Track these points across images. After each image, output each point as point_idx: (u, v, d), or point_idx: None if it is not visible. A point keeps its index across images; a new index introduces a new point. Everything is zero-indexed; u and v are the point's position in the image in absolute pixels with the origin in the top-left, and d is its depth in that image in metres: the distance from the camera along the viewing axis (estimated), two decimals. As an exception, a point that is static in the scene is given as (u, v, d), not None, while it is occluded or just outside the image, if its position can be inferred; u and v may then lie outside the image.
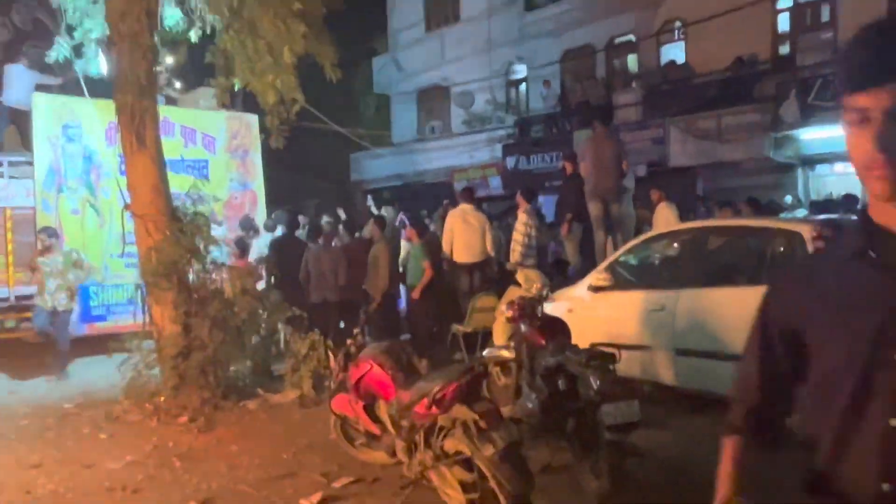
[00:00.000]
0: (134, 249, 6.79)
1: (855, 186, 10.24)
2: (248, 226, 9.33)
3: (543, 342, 4.59)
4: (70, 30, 7.48)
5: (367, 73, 22.81)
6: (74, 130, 8.70)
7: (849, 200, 8.33)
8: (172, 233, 6.16)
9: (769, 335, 1.27)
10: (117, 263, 8.63)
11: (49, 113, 8.60)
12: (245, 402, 6.25)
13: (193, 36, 6.46)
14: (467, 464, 3.45)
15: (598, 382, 3.85)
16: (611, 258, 6.32)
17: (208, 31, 6.34)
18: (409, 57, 20.84)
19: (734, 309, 4.60)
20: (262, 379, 6.88)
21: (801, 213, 9.19)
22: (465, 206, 8.12)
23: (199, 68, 6.97)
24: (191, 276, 6.35)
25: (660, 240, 6.22)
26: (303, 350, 6.48)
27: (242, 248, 7.96)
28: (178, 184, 7.27)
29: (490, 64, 18.11)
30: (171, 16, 6.50)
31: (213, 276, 6.35)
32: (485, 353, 5.50)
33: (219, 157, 9.94)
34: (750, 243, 5.60)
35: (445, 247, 8.01)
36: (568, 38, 16.55)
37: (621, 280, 6.03)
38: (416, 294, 7.81)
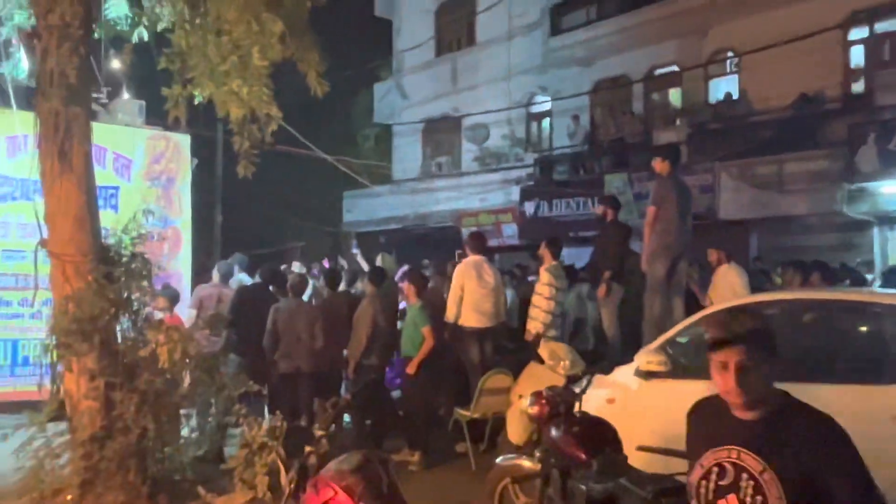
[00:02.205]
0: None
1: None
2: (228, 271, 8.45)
3: (584, 456, 3.70)
4: None
5: (367, 101, 22.37)
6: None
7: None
8: (96, 279, 5.26)
9: None
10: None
11: None
12: (178, 505, 5.29)
13: (137, 35, 5.73)
14: None
15: (670, 531, 2.95)
16: (665, 336, 5.43)
17: (157, 29, 5.61)
18: (415, 83, 20.35)
19: (842, 414, 3.73)
20: (208, 469, 5.89)
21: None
22: (477, 258, 7.28)
23: (124, 75, 6.24)
24: (119, 336, 5.48)
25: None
26: (259, 438, 5.53)
27: (172, 298, 6.97)
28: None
29: (509, 94, 17.56)
30: (116, 6, 5.78)
31: (147, 336, 5.42)
32: (498, 460, 4.61)
33: (134, 184, 8.85)
34: (853, 324, 4.74)
35: (451, 308, 7.10)
36: (600, 68, 15.99)
37: (679, 365, 5.11)
38: (411, 368, 6.84)
